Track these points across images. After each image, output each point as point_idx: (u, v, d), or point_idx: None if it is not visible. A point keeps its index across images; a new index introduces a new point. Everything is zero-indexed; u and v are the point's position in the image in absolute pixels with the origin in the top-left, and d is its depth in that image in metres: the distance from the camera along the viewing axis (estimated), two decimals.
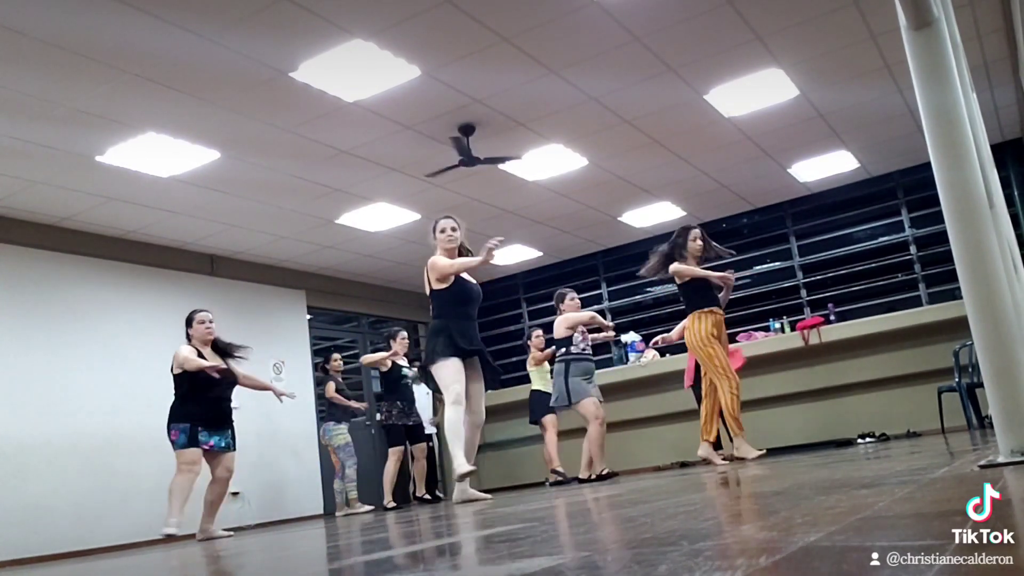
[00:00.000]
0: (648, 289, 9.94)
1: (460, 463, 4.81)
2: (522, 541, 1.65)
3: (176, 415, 5.43)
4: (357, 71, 5.16)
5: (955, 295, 7.01)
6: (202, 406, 5.43)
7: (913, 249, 8.52)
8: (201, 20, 4.43)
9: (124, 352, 7.07)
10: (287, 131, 5.85)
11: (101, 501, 6.61)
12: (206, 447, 5.40)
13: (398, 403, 7.64)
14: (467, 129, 6.16)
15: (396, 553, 1.95)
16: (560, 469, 7.38)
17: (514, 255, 9.74)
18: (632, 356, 9.12)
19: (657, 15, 4.99)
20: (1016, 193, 8.04)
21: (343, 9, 4.51)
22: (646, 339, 9.15)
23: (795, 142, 7.39)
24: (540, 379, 7.74)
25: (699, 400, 6.23)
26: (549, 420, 7.63)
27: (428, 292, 5.07)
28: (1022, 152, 8.16)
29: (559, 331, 6.35)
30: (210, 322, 5.70)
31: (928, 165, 2.09)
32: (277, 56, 4.89)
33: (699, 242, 5.81)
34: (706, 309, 5.70)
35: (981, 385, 5.21)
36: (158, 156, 5.92)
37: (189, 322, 5.74)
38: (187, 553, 3.82)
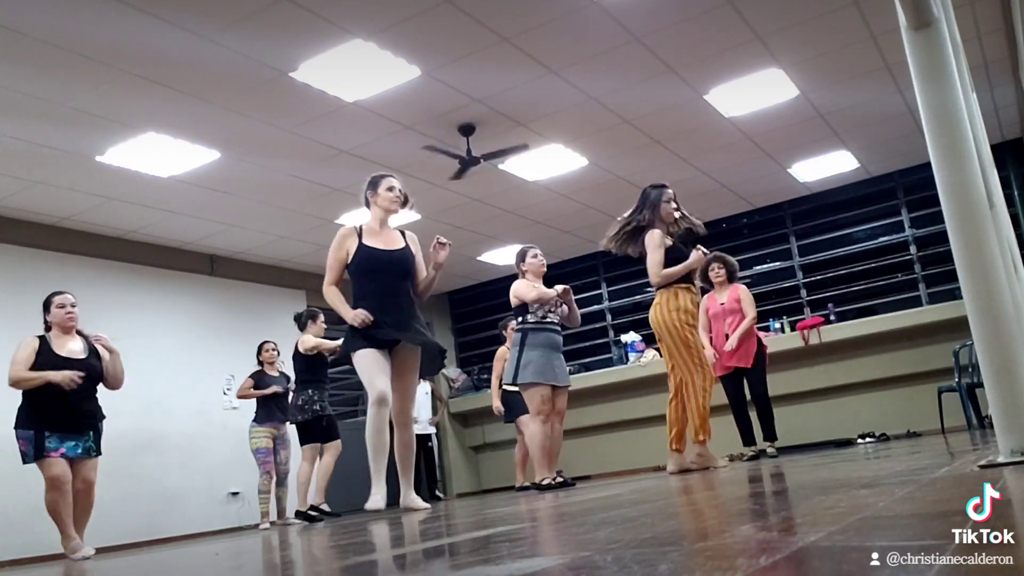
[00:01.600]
0: (648, 289, 9.92)
1: (374, 489, 3.94)
2: (522, 541, 1.65)
3: (21, 420, 4.61)
4: (357, 71, 5.16)
5: (955, 295, 7.01)
6: (52, 407, 4.58)
7: (913, 249, 8.52)
8: (201, 20, 4.43)
9: (123, 352, 7.04)
10: (287, 131, 5.85)
11: (100, 501, 6.58)
12: (55, 454, 4.57)
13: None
14: (467, 129, 6.16)
15: (395, 553, 1.95)
16: (526, 484, 6.74)
17: (514, 255, 9.72)
18: (632, 356, 9.12)
19: (657, 15, 4.99)
20: (1016, 193, 8.04)
21: (343, 9, 4.51)
22: (646, 339, 9.16)
23: (795, 142, 7.39)
24: None
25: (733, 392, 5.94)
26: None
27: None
28: (1022, 152, 8.16)
29: (514, 300, 5.38)
30: (71, 306, 4.82)
31: (928, 165, 2.09)
32: (277, 56, 4.89)
33: (673, 204, 5.00)
34: (682, 285, 4.90)
35: (981, 385, 5.21)
36: (158, 156, 5.92)
37: (46, 306, 4.83)
38: (188, 553, 3.82)
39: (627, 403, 8.65)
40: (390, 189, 4.25)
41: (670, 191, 5.04)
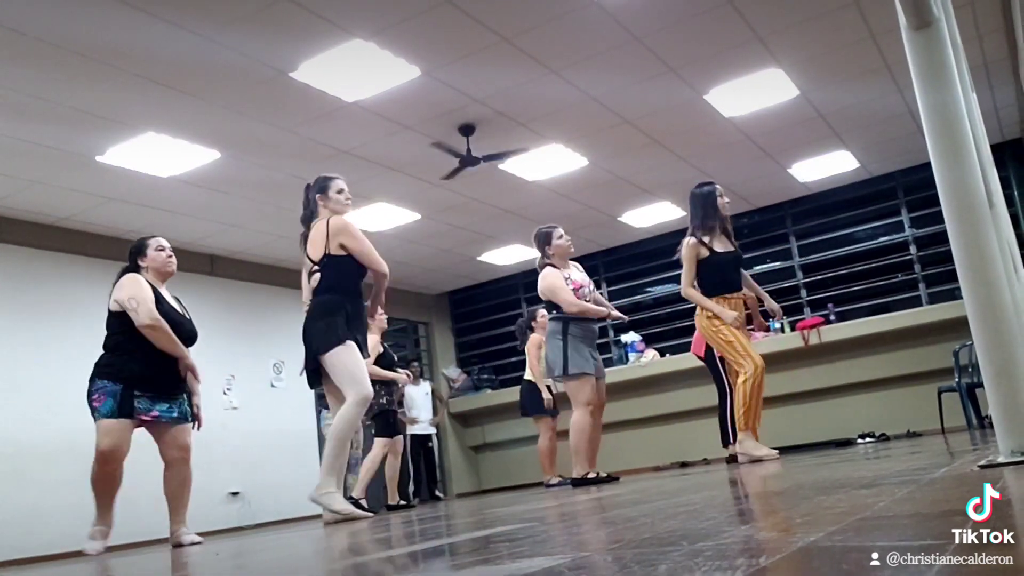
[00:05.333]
0: (648, 289, 9.94)
1: (337, 487, 3.96)
2: (522, 541, 1.65)
3: (106, 371, 3.99)
4: (357, 71, 5.16)
5: (955, 295, 7.01)
6: (151, 362, 4.00)
7: (913, 249, 8.52)
8: (201, 20, 4.43)
9: None
10: (287, 131, 5.85)
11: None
12: (147, 418, 4.04)
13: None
14: (467, 129, 6.16)
15: (395, 554, 1.95)
16: (554, 481, 6.91)
17: (514, 255, 9.74)
18: (632, 356, 9.12)
19: (657, 15, 4.99)
20: (1016, 193, 8.04)
21: (343, 9, 4.51)
22: (646, 339, 9.16)
23: (795, 142, 7.39)
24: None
25: (716, 377, 5.68)
26: (546, 423, 7.18)
27: (318, 258, 4.07)
28: (1022, 152, 8.16)
29: (547, 295, 5.19)
30: (171, 250, 4.40)
31: (928, 165, 2.09)
32: (277, 56, 4.89)
33: (725, 198, 4.99)
34: (722, 295, 4.88)
35: (981, 385, 5.20)
36: (158, 156, 5.92)
37: (140, 250, 4.29)
38: (187, 553, 3.82)
39: (627, 403, 8.63)
40: (340, 192, 4.20)
41: (718, 186, 5.01)
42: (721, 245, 4.96)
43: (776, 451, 4.90)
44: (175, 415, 4.13)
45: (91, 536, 4.27)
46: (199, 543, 4.19)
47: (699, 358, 6.13)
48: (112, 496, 4.23)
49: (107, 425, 3.97)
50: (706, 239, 4.93)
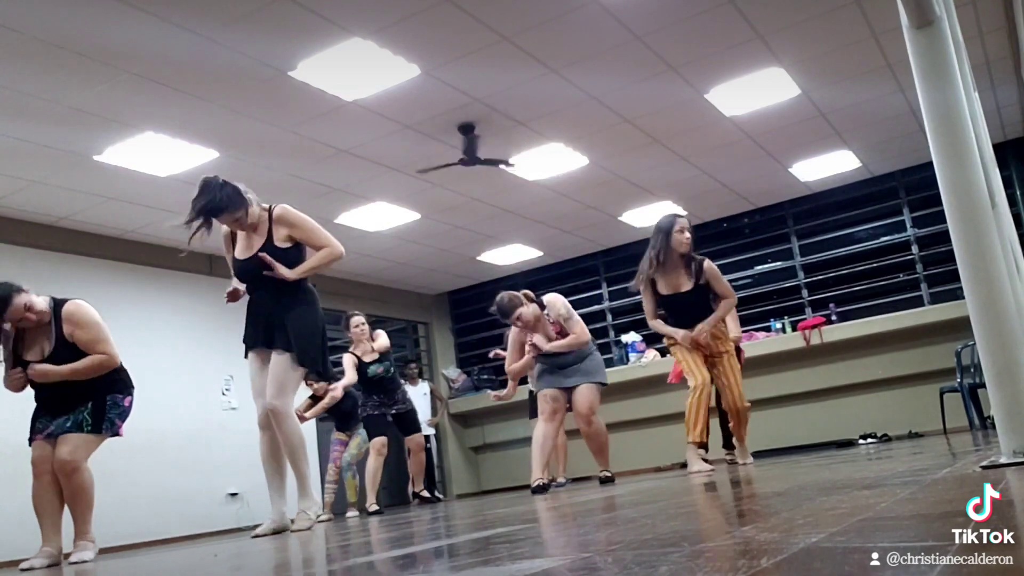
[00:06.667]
0: None
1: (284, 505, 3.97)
2: (522, 542, 1.64)
3: (126, 385, 4.27)
4: (356, 70, 5.15)
5: (957, 295, 7.00)
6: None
7: (915, 249, 8.51)
8: (199, 19, 4.42)
9: (123, 352, 7.04)
10: (286, 130, 5.84)
11: (100, 502, 6.57)
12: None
13: (374, 397, 6.77)
14: (467, 128, 6.15)
15: (394, 554, 1.94)
16: (559, 479, 7.01)
17: (514, 255, 9.74)
18: (632, 356, 9.12)
19: (658, 14, 4.98)
20: (1018, 192, 8.03)
21: (342, 7, 4.50)
22: (646, 339, 9.15)
23: (796, 141, 7.38)
24: None
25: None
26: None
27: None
28: None
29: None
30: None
31: (930, 164, 2.08)
32: (276, 55, 4.88)
33: (686, 233, 4.88)
34: None
35: (983, 385, 5.18)
36: (156, 156, 5.92)
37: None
38: (187, 554, 3.81)
39: (628, 403, 8.63)
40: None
41: (681, 220, 4.95)
42: (671, 284, 4.94)
43: (711, 468, 4.75)
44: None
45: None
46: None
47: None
48: None
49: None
50: (656, 276, 4.94)
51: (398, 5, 4.55)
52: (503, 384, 10.17)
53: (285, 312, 3.98)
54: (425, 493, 7.42)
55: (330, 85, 5.29)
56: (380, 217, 7.82)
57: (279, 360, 3.93)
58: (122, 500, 6.68)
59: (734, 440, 5.29)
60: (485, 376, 10.57)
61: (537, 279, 10.49)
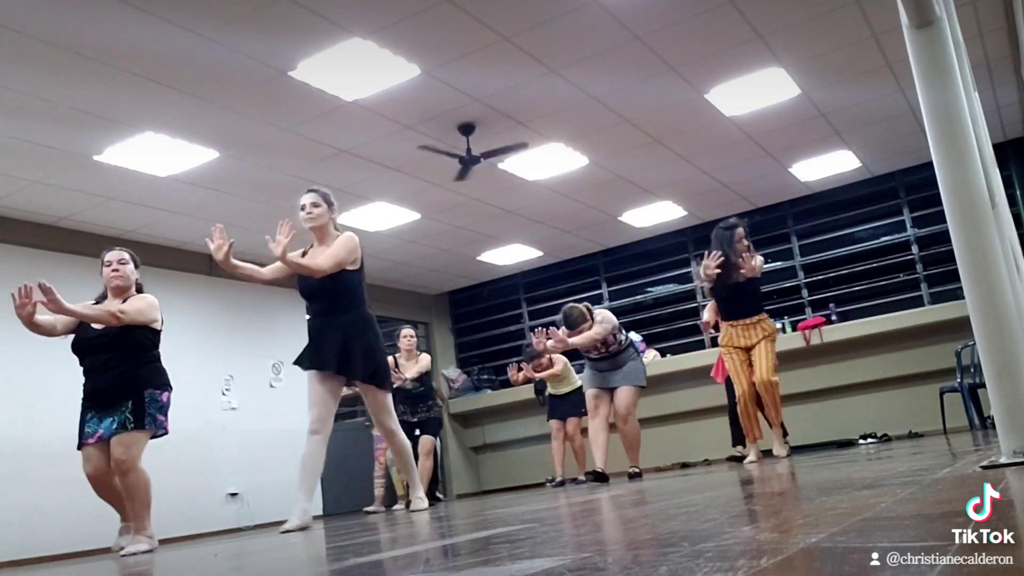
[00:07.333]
0: (648, 289, 9.93)
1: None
2: (522, 542, 1.64)
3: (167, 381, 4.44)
4: (356, 70, 5.15)
5: (957, 295, 6.99)
6: None
7: (915, 249, 8.51)
8: (199, 19, 4.42)
9: None
10: (286, 130, 5.84)
11: (100, 502, 6.58)
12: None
13: (400, 406, 6.94)
14: (467, 128, 6.15)
15: (395, 554, 1.94)
16: (580, 477, 7.31)
17: (514, 255, 9.73)
18: None
19: (658, 14, 4.98)
20: (1018, 192, 8.03)
21: (342, 7, 4.50)
22: (647, 339, 9.15)
23: (796, 141, 7.38)
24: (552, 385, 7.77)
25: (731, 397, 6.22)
26: (554, 424, 7.66)
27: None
28: None
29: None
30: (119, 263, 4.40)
31: (930, 164, 2.08)
32: (276, 55, 4.88)
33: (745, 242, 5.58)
34: (727, 321, 5.63)
35: (983, 385, 5.18)
36: (156, 155, 5.91)
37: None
38: (186, 554, 3.81)
39: None
40: (303, 207, 4.43)
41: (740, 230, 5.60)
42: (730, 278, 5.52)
43: (759, 460, 5.43)
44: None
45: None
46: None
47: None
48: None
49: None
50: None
51: (398, 5, 4.55)
52: (503, 384, 10.23)
53: (357, 339, 4.27)
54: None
55: (330, 85, 5.29)
56: (380, 217, 7.82)
57: (374, 392, 4.37)
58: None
59: (772, 428, 5.63)
60: (485, 376, 10.58)
61: (537, 279, 10.50)
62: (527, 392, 9.48)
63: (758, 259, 5.52)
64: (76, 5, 4.17)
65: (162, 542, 5.69)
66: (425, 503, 4.58)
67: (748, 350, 5.47)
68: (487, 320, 10.98)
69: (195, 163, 6.11)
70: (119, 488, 4.21)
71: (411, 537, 2.54)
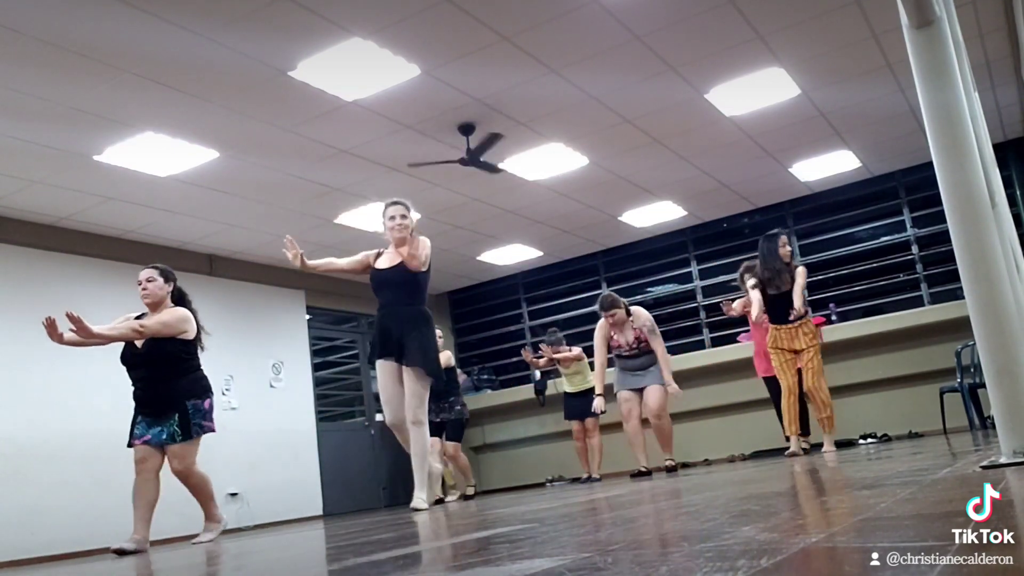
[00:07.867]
0: (648, 289, 9.93)
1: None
2: (522, 542, 1.64)
3: (207, 387, 4.58)
4: (356, 70, 5.15)
5: (957, 295, 6.99)
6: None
7: (915, 249, 8.51)
8: (199, 19, 4.42)
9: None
10: (286, 130, 5.84)
11: (100, 502, 6.59)
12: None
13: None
14: (467, 128, 6.15)
15: (395, 554, 1.94)
16: (594, 475, 7.33)
17: (514, 255, 9.73)
18: None
19: (658, 14, 4.98)
20: (1018, 192, 8.03)
21: (342, 7, 4.50)
22: None
23: (796, 141, 7.38)
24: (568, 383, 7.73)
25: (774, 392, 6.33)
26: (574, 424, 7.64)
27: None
28: None
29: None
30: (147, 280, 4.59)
31: (930, 164, 2.08)
32: (276, 55, 4.88)
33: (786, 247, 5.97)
34: (772, 325, 6.00)
35: (983, 385, 5.18)
36: (156, 155, 5.91)
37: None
38: (186, 554, 3.81)
39: None
40: (391, 219, 4.87)
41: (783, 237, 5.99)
42: (774, 286, 5.93)
43: (799, 451, 5.85)
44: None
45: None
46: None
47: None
48: None
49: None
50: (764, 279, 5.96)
51: (398, 5, 4.55)
52: (503, 384, 10.24)
53: (411, 331, 4.64)
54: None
55: (330, 85, 5.29)
56: (380, 217, 7.80)
57: (414, 375, 4.57)
58: (123, 500, 6.67)
59: (821, 428, 5.92)
60: (485, 376, 10.57)
61: (537, 279, 10.49)
62: (527, 392, 9.47)
63: (800, 269, 5.92)
64: (76, 5, 4.17)
65: (162, 542, 5.69)
66: (426, 503, 4.62)
67: (795, 352, 5.90)
68: (487, 320, 10.98)
69: (195, 163, 6.11)
70: (149, 491, 4.64)
71: (411, 537, 2.54)
